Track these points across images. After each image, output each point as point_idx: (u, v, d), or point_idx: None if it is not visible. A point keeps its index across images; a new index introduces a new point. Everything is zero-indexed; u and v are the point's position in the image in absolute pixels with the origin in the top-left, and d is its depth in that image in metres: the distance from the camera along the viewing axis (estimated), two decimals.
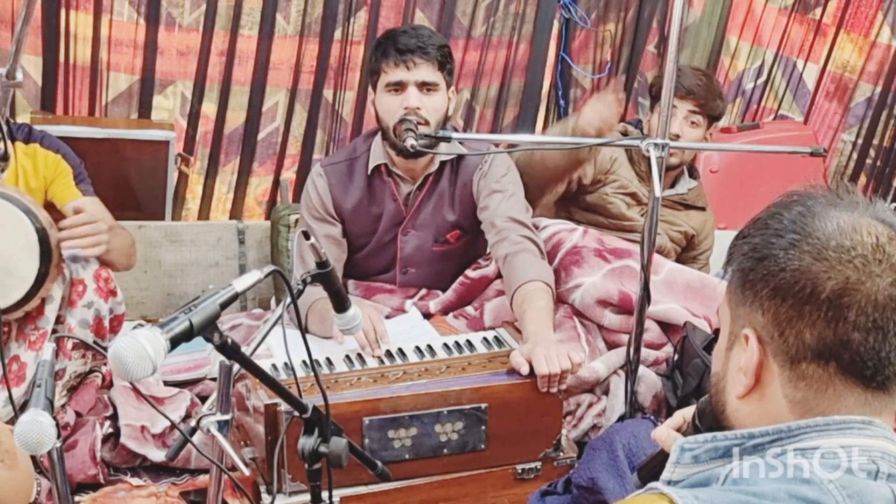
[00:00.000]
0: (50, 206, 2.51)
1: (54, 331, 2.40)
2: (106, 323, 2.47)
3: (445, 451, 2.12)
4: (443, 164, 2.64)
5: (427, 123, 2.47)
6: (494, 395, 2.14)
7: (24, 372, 2.36)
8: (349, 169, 2.66)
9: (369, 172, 2.63)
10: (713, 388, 1.10)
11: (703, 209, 3.15)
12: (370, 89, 2.61)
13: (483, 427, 2.13)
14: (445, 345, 2.35)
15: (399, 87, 2.50)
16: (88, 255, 2.38)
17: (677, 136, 2.99)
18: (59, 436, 1.53)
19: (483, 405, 2.12)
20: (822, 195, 1.02)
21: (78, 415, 2.44)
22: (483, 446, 2.14)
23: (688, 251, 3.17)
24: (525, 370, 2.15)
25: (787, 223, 1.00)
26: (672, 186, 3.13)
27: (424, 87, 2.50)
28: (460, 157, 2.63)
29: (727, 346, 1.07)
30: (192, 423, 1.58)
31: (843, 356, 0.96)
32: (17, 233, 2.31)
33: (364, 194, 2.65)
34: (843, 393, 0.97)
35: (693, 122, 3.01)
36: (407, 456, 2.09)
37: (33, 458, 1.81)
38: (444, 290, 2.77)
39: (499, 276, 2.72)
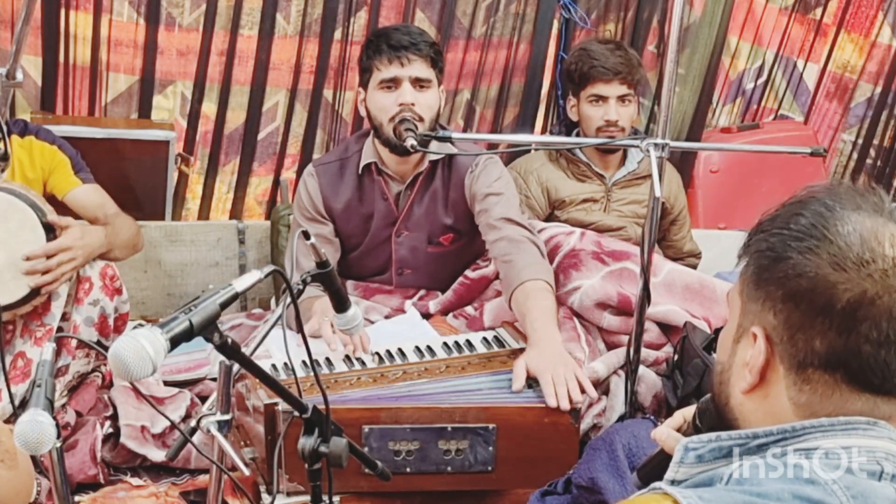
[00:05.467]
0: (50, 199, 2.51)
1: (59, 328, 2.40)
2: (111, 321, 2.47)
3: (449, 469, 2.06)
4: (434, 164, 2.64)
5: (421, 120, 2.49)
6: (503, 416, 2.07)
7: (30, 368, 2.36)
8: (340, 169, 2.67)
9: (360, 171, 2.63)
10: (717, 378, 1.09)
11: None
12: (359, 89, 2.62)
13: (490, 448, 2.06)
14: (445, 344, 2.34)
15: (393, 83, 2.50)
16: (50, 290, 2.36)
17: (615, 122, 3.01)
18: (59, 436, 1.53)
19: (491, 426, 2.06)
20: (844, 194, 1.00)
21: (78, 414, 2.44)
22: (490, 468, 2.08)
23: (664, 218, 3.17)
24: (518, 385, 2.09)
25: (807, 225, 0.97)
26: (622, 165, 3.14)
27: (418, 83, 2.51)
28: (452, 158, 2.63)
29: (735, 338, 1.05)
30: (192, 423, 1.58)
31: (852, 365, 0.95)
32: (23, 227, 2.31)
33: (354, 194, 2.66)
34: (850, 398, 0.96)
35: (626, 101, 3.03)
36: (408, 469, 2.05)
37: (33, 458, 1.81)
38: (442, 291, 2.77)
39: (498, 276, 2.72)
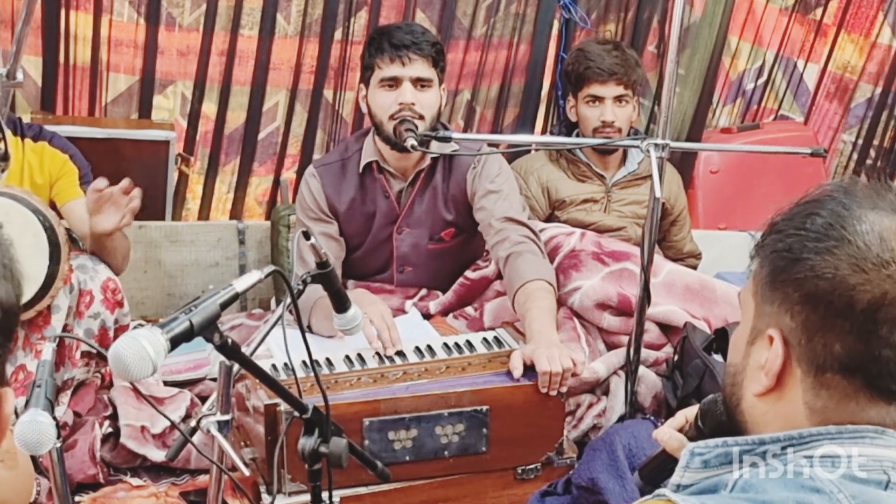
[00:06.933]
0: (52, 206, 2.50)
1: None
2: (111, 333, 2.47)
3: (446, 453, 2.11)
4: (435, 161, 2.64)
5: (422, 118, 2.49)
6: (496, 397, 2.13)
7: (30, 382, 2.35)
8: (342, 169, 2.67)
9: (361, 170, 2.64)
10: (729, 380, 1.07)
11: None
12: (360, 85, 2.62)
13: (484, 430, 2.12)
14: (445, 345, 2.34)
15: (394, 82, 2.51)
16: (122, 225, 2.35)
17: (612, 123, 3.01)
18: (58, 436, 1.53)
19: (484, 408, 2.11)
20: (860, 193, 0.97)
21: (77, 415, 2.44)
22: (484, 449, 2.13)
23: (665, 218, 3.17)
24: (518, 373, 2.14)
25: (824, 226, 0.95)
26: (622, 165, 3.14)
27: (419, 82, 2.51)
28: (453, 156, 2.64)
29: (749, 340, 1.03)
30: (192, 423, 1.58)
31: (871, 370, 0.93)
32: (26, 232, 2.31)
33: (357, 193, 2.66)
34: (866, 406, 0.95)
35: (623, 101, 3.02)
36: (407, 458, 2.09)
37: (33, 458, 1.81)
38: (442, 290, 2.78)
39: (498, 276, 2.72)
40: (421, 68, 2.51)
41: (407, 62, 2.49)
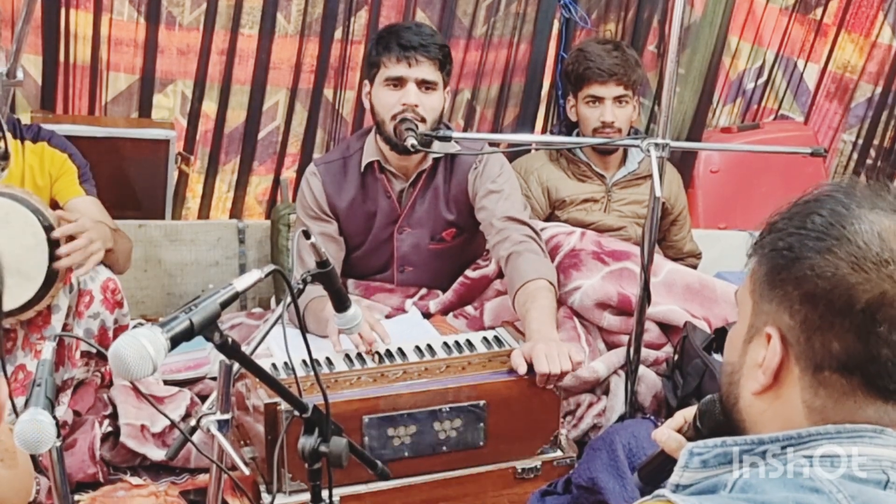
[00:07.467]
0: (54, 206, 2.51)
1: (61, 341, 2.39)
2: (110, 334, 2.47)
3: (444, 448, 2.12)
4: (436, 161, 2.64)
5: (424, 121, 2.49)
6: (493, 392, 2.14)
7: (29, 382, 2.35)
8: (343, 167, 2.67)
9: (362, 170, 2.63)
10: (726, 378, 1.07)
11: None
12: (365, 82, 2.62)
13: (482, 424, 2.13)
14: (445, 344, 2.34)
15: (399, 82, 2.50)
16: (85, 271, 2.34)
17: (612, 123, 3.01)
18: (58, 435, 1.53)
19: (481, 402, 2.12)
20: (860, 193, 0.97)
21: (77, 414, 2.44)
22: (482, 443, 2.15)
23: (665, 218, 3.17)
24: (522, 370, 2.15)
25: (824, 225, 0.95)
26: (623, 165, 3.14)
27: (424, 85, 2.51)
28: (454, 156, 2.64)
29: (746, 338, 1.03)
30: (192, 422, 1.58)
31: (870, 369, 0.93)
32: (25, 232, 2.31)
33: (358, 192, 2.66)
34: (864, 405, 0.95)
35: (623, 102, 3.02)
36: (406, 454, 2.10)
37: (33, 457, 1.81)
38: (442, 290, 2.78)
39: (498, 276, 2.72)
40: (427, 71, 2.50)
41: (414, 63, 2.48)
